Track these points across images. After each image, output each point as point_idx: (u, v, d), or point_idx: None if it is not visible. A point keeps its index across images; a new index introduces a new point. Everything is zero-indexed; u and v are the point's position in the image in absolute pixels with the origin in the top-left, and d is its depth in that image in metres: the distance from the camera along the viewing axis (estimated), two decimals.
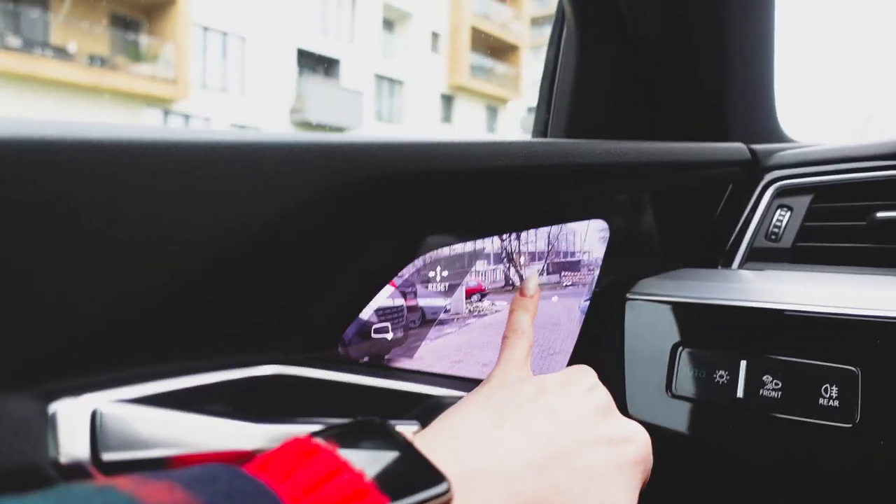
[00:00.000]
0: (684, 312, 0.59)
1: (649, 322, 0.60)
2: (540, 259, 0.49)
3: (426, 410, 0.42)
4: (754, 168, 0.73)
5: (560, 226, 0.50)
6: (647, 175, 0.59)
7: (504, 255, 0.46)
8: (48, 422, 0.29)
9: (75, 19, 16.03)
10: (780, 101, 0.78)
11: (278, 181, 0.34)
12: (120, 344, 0.32)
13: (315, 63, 21.67)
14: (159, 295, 0.32)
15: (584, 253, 0.53)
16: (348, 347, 0.40)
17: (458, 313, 0.44)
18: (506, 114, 32.33)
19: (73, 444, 0.29)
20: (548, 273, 0.50)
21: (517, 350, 0.42)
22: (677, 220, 0.68)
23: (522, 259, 0.47)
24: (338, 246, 0.38)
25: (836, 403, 0.52)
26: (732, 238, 0.73)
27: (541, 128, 0.72)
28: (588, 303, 0.56)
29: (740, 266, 0.72)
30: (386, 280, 0.40)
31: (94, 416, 0.30)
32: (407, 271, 0.40)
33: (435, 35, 25.02)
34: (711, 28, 0.65)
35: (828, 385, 0.53)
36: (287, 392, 0.39)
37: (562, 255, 0.50)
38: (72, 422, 0.30)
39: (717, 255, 0.73)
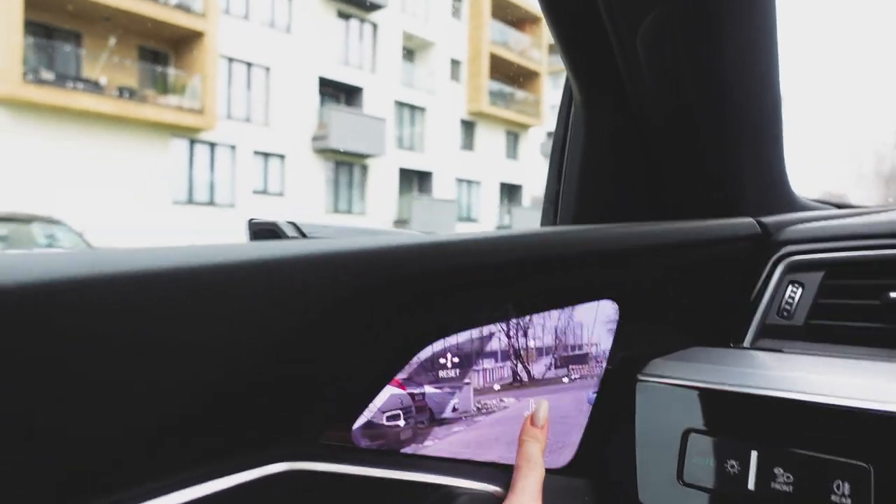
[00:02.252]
0: (695, 397, 0.58)
1: (660, 406, 0.59)
2: (547, 354, 0.49)
3: (440, 501, 0.42)
4: (765, 243, 0.71)
5: (567, 319, 0.50)
6: (657, 256, 0.59)
7: (511, 351, 0.46)
8: None
9: (105, 53, 16.54)
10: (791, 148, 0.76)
11: (294, 295, 0.35)
12: (143, 459, 0.33)
13: (338, 91, 22.05)
14: (180, 406, 0.33)
15: (592, 346, 0.53)
16: (359, 436, 0.40)
17: (466, 411, 0.44)
18: (527, 140, 32.49)
19: None
20: (555, 367, 0.50)
21: (530, 481, 0.43)
22: (688, 297, 0.67)
23: (530, 355, 0.48)
24: (350, 341, 0.38)
25: (849, 501, 0.50)
26: (744, 314, 0.71)
27: (550, 215, 0.72)
28: (596, 394, 0.56)
29: (752, 343, 0.70)
30: (393, 374, 0.41)
31: None
32: (413, 369, 0.41)
33: (455, 62, 25.33)
34: (713, 100, 0.64)
35: (840, 481, 0.51)
36: (301, 489, 0.39)
37: (569, 348, 0.51)
38: None
39: (729, 332, 0.71)
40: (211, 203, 18.48)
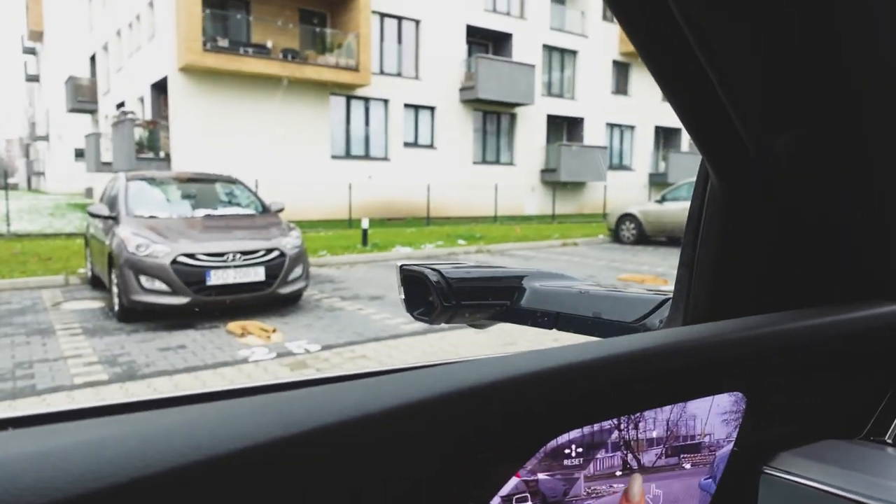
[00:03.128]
0: (819, 499, 0.54)
1: (783, 503, 0.55)
2: (658, 444, 0.48)
3: None
4: None
5: (680, 412, 0.49)
6: (792, 350, 0.55)
7: (622, 442, 0.46)
8: None
9: (270, 18, 17.64)
10: None
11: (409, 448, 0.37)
12: None
13: (485, 40, 21.80)
14: None
15: (706, 436, 0.51)
16: None
17: (576, 496, 0.45)
18: None
19: None
20: (666, 456, 0.49)
21: None
22: (825, 389, 0.62)
23: (640, 445, 0.47)
24: (465, 466, 0.41)
25: None
26: (882, 406, 0.64)
27: (679, 315, 0.65)
28: (709, 480, 0.53)
29: (891, 436, 0.63)
30: (515, 471, 0.43)
31: None
32: (532, 463, 0.43)
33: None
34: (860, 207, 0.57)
35: None
36: None
37: (681, 438, 0.49)
38: None
39: (864, 424, 0.64)
40: (366, 157, 19.38)
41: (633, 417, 0.47)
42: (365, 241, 11.77)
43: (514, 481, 0.43)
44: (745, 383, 0.52)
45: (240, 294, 6.17)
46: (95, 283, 7.72)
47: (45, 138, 43.92)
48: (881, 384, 0.65)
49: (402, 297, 0.85)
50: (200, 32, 15.95)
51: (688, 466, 0.50)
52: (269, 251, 6.39)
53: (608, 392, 0.46)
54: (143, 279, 5.85)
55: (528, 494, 0.43)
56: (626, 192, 22.94)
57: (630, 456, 0.47)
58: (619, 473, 0.47)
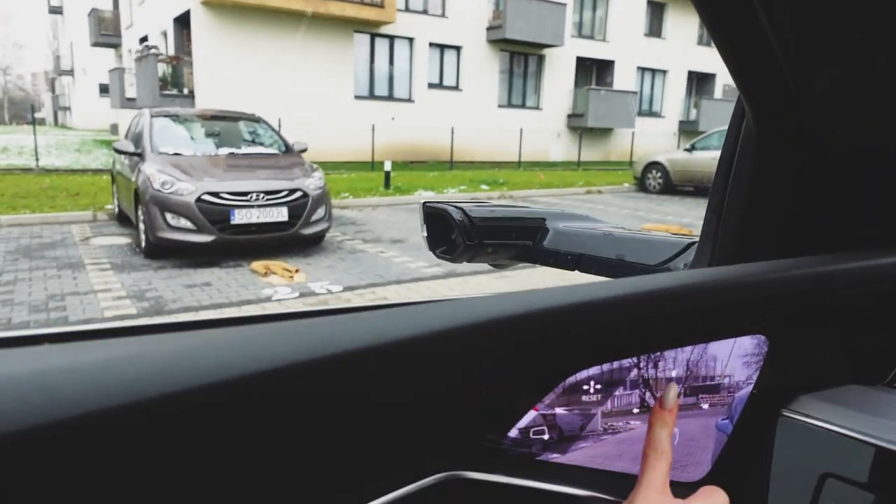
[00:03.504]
0: (837, 442, 0.54)
1: (801, 444, 0.56)
2: (677, 384, 0.48)
3: None
4: None
5: (701, 353, 0.49)
6: (815, 295, 0.54)
7: (640, 381, 0.47)
8: None
9: None
10: None
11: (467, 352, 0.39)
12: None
13: None
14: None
15: (726, 377, 0.51)
16: (510, 444, 0.45)
17: (593, 430, 0.47)
18: None
19: None
20: (684, 396, 0.49)
21: (657, 472, 0.44)
22: (848, 333, 0.61)
23: (659, 383, 0.48)
24: (508, 371, 0.42)
25: None
26: None
27: (706, 255, 0.64)
28: (726, 421, 0.54)
29: None
30: (539, 398, 0.44)
31: None
32: (549, 397, 0.44)
33: None
34: None
35: None
36: (459, 496, 0.43)
37: (700, 379, 0.49)
38: None
39: (887, 372, 0.63)
40: (390, 97, 19.10)
41: (652, 356, 0.47)
42: (387, 184, 11.74)
43: (531, 414, 0.44)
44: (767, 326, 0.51)
45: (263, 234, 6.22)
46: (122, 219, 7.84)
47: (70, 73, 43.88)
48: None
49: (425, 234, 0.85)
50: None
51: (705, 406, 0.51)
52: (293, 191, 6.39)
53: (628, 330, 0.46)
54: (168, 216, 5.92)
55: (545, 427, 0.44)
56: (654, 139, 22.42)
57: (648, 394, 0.47)
58: (636, 411, 0.47)
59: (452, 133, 17.91)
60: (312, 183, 6.64)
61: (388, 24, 18.07)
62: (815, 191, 0.59)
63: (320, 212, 6.65)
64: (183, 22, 17.78)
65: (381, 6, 17.59)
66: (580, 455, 0.47)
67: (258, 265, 5.76)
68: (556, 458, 0.46)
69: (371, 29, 18.20)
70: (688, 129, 24.00)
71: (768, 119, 0.56)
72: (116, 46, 28.70)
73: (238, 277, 5.51)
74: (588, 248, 0.81)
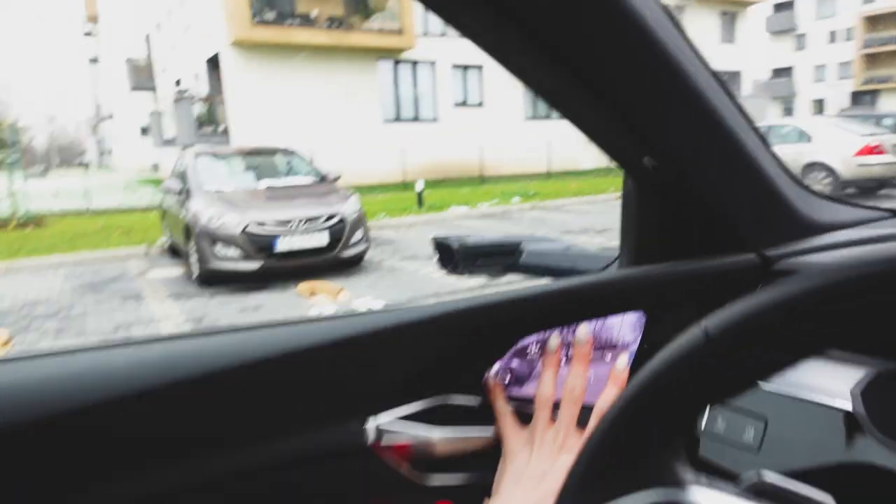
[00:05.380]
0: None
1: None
2: (589, 344, 0.68)
3: None
4: (763, 279, 0.71)
5: (602, 324, 0.68)
6: (670, 292, 0.72)
7: (564, 343, 0.68)
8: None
9: None
10: None
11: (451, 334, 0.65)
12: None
13: None
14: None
15: (620, 338, 0.69)
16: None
17: (536, 373, 0.68)
18: (745, 19, 28.34)
19: None
20: (594, 350, 0.68)
21: (565, 414, 0.64)
22: (699, 312, 0.66)
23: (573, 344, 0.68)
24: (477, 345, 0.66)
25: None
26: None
27: (624, 257, 0.85)
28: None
29: None
30: (499, 356, 0.67)
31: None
32: (508, 354, 0.68)
33: None
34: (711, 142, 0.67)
35: None
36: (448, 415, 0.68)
37: (603, 340, 0.68)
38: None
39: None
40: (416, 119, 19.50)
41: (571, 327, 0.68)
42: (420, 203, 12.04)
43: (496, 365, 0.67)
44: (644, 306, 0.70)
45: (306, 258, 6.57)
46: (173, 251, 8.30)
47: (110, 117, 45.77)
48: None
49: (436, 258, 1.20)
50: (248, 6, 16.25)
51: (608, 358, 0.69)
52: (331, 217, 6.74)
53: (555, 309, 0.67)
54: (217, 247, 6.32)
55: (509, 373, 0.67)
56: None
57: (569, 351, 0.68)
58: (562, 362, 0.67)
59: (481, 149, 18.15)
60: (349, 207, 6.98)
61: (409, 49, 18.49)
62: (669, 221, 0.78)
63: (358, 234, 6.98)
64: (214, 63, 18.53)
65: (401, 33, 18.04)
66: (530, 389, 0.67)
67: (304, 287, 6.09)
68: (515, 391, 0.67)
69: (394, 56, 18.66)
70: None
71: (639, 179, 0.77)
72: (153, 90, 29.92)
73: (286, 300, 5.85)
74: (550, 260, 1.09)
